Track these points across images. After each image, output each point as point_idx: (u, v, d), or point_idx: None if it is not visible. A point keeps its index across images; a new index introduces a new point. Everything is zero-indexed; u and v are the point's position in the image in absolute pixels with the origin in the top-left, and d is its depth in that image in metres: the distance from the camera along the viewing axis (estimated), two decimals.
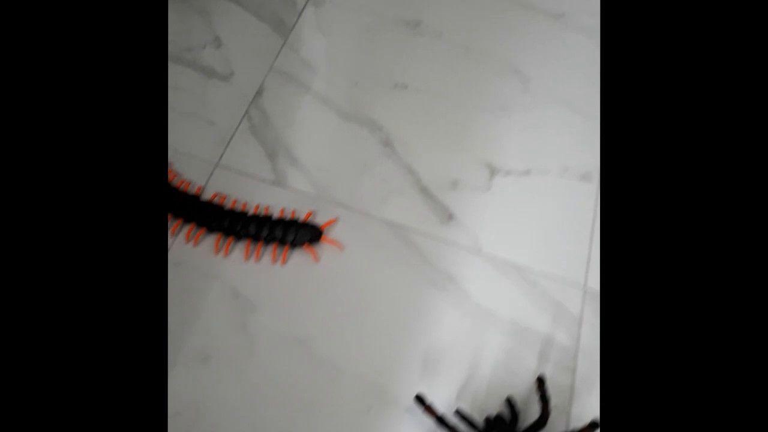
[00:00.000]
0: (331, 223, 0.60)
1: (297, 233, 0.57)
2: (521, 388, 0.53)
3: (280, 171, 0.63)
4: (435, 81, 0.70)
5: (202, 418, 0.50)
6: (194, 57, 0.71)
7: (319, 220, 0.60)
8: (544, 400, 0.49)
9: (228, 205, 0.60)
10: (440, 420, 0.47)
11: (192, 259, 0.58)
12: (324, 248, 0.59)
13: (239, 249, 0.58)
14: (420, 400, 0.48)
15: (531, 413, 0.51)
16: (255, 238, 0.57)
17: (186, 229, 0.59)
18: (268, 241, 0.57)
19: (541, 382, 0.50)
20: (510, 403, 0.50)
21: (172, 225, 0.58)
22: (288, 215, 0.59)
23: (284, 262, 0.58)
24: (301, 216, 0.59)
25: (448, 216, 0.62)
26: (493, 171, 0.65)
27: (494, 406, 0.52)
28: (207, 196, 0.61)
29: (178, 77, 0.69)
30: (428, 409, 0.48)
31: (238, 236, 0.57)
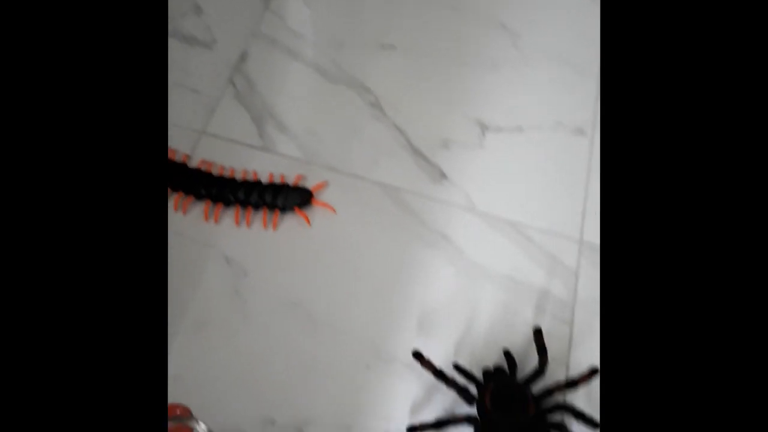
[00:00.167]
0: (322, 186, 0.59)
1: (287, 197, 0.56)
2: (519, 340, 0.53)
3: (267, 137, 0.62)
4: (422, 40, 0.68)
5: (200, 382, 0.50)
6: (175, 26, 0.69)
7: (309, 184, 0.59)
8: (542, 350, 0.49)
9: (216, 172, 0.58)
10: (438, 374, 0.47)
11: (181, 228, 0.57)
12: (316, 212, 0.58)
13: (229, 216, 0.57)
14: (418, 355, 0.48)
15: (529, 364, 0.51)
16: (244, 203, 0.56)
17: (173, 197, 0.58)
18: (257, 206, 0.56)
19: (538, 332, 0.50)
20: (507, 354, 0.50)
21: None
22: (277, 180, 0.58)
23: (275, 227, 0.57)
24: (291, 180, 0.58)
25: (440, 175, 0.61)
26: (484, 128, 0.63)
27: (492, 360, 0.51)
28: (194, 164, 0.60)
29: None
30: (426, 363, 0.48)
31: (227, 203, 0.56)
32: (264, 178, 0.58)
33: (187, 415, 0.33)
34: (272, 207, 0.56)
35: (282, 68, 0.67)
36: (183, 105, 0.64)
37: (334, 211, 0.58)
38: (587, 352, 0.52)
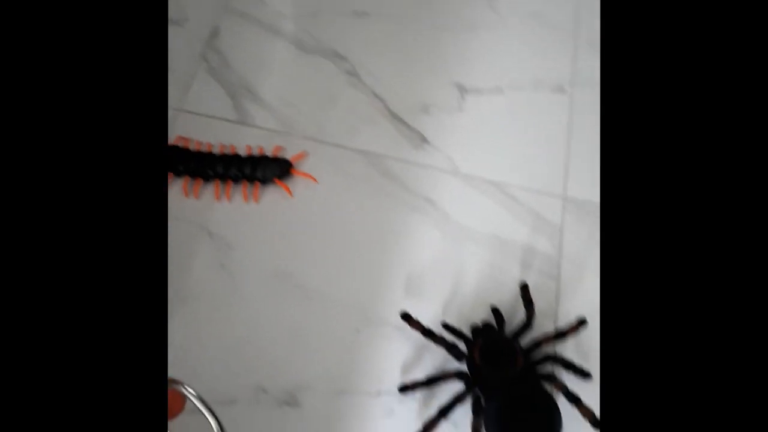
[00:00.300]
0: (301, 156, 0.58)
1: (266, 169, 0.55)
2: (507, 298, 0.53)
3: (244, 110, 0.61)
4: (396, 5, 0.67)
5: (190, 355, 0.50)
6: None
7: (289, 155, 0.58)
8: (528, 303, 0.49)
9: (193, 147, 0.58)
10: (427, 332, 0.47)
11: None
12: (297, 183, 0.57)
13: (210, 192, 0.57)
14: (406, 316, 0.48)
15: (518, 320, 0.51)
16: (223, 178, 0.55)
17: None
18: (237, 179, 0.55)
19: (524, 287, 0.50)
20: (495, 311, 0.50)
21: None
22: (256, 153, 0.57)
23: (257, 199, 0.56)
24: (270, 152, 0.58)
25: (421, 140, 0.60)
26: (463, 91, 0.63)
27: (480, 319, 0.52)
28: (170, 141, 0.59)
29: None
30: (415, 323, 0.48)
31: (206, 178, 0.56)
32: (242, 152, 0.58)
33: (175, 381, 0.33)
34: (252, 179, 0.55)
35: (255, 41, 0.65)
36: None
37: (316, 180, 0.57)
38: (574, 306, 0.53)
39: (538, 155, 0.60)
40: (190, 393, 0.33)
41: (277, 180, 0.56)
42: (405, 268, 0.54)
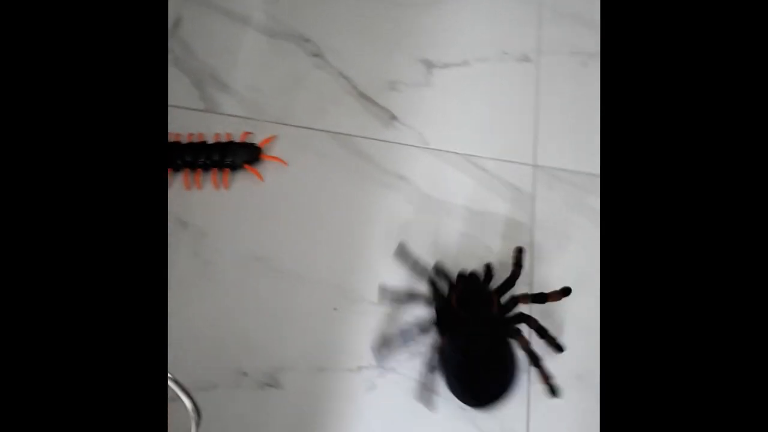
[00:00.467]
0: (270, 140, 0.58)
1: (235, 155, 0.55)
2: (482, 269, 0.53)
3: (210, 98, 0.61)
4: None
5: (169, 346, 0.50)
6: None
7: (257, 140, 0.58)
8: (518, 265, 0.50)
9: None
10: (417, 267, 0.50)
11: None
12: (267, 167, 0.57)
13: (180, 181, 0.56)
14: (401, 249, 0.52)
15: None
16: (192, 166, 0.55)
17: None
18: (206, 167, 0.55)
19: (519, 249, 0.50)
20: (488, 266, 0.50)
21: None
22: (223, 140, 0.57)
23: (227, 185, 0.56)
24: (237, 139, 0.57)
25: (390, 117, 0.60)
26: (430, 66, 0.63)
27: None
28: None
29: None
30: (408, 258, 0.49)
31: (175, 168, 0.55)
32: (210, 140, 0.57)
33: None
34: (221, 166, 0.55)
35: (218, 29, 0.65)
36: None
37: (285, 163, 0.57)
38: (548, 272, 0.53)
39: (507, 125, 0.60)
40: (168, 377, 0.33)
41: (246, 165, 0.55)
42: (380, 245, 0.54)
